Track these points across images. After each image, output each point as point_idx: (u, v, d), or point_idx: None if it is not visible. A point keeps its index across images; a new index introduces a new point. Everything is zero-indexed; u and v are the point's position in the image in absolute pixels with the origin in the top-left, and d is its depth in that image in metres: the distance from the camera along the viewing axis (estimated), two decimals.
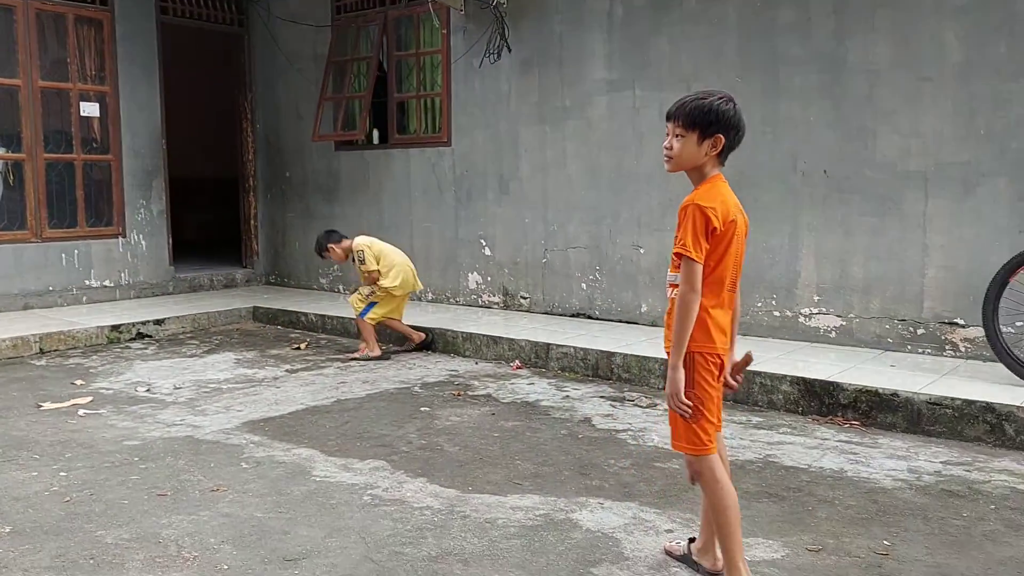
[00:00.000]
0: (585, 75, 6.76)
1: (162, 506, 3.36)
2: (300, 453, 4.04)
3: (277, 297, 8.51)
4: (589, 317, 6.89)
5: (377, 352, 6.29)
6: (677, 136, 2.56)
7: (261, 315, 7.86)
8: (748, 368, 2.76)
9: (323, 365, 6.06)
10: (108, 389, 5.32)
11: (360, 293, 6.43)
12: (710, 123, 2.52)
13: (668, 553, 2.88)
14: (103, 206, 8.19)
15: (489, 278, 7.57)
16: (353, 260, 6.46)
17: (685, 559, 2.82)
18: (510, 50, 7.12)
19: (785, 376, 4.82)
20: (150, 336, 7.08)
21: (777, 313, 5.94)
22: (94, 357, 6.30)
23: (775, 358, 5.22)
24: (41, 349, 6.42)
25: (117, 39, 8.08)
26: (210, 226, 12.35)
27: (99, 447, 4.13)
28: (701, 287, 2.49)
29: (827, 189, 5.69)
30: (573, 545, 2.97)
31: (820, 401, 4.67)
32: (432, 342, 6.56)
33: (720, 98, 2.55)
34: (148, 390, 5.31)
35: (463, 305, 7.72)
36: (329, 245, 6.50)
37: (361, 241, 6.45)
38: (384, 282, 6.32)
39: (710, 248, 2.50)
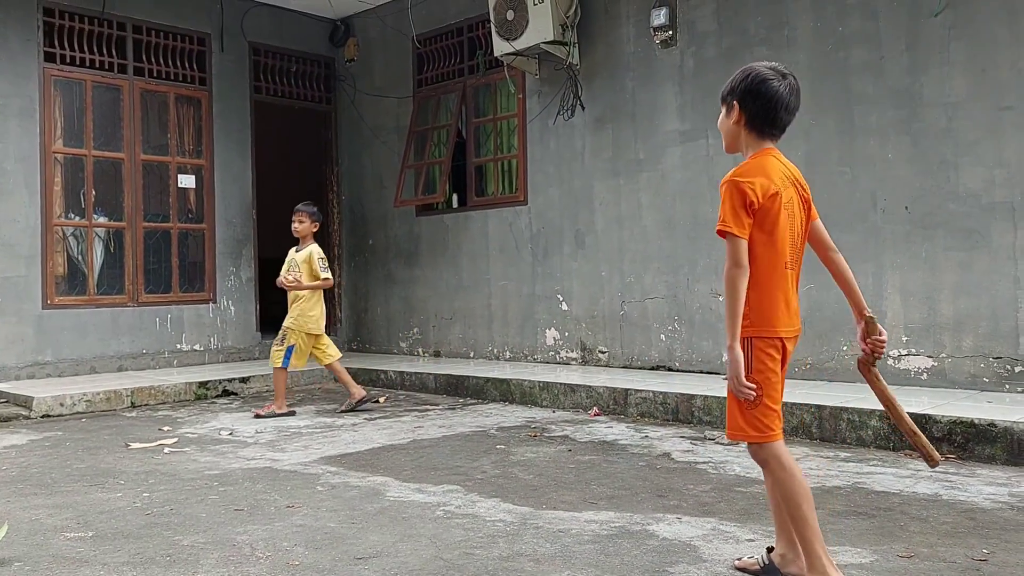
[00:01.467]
0: (658, 127, 6.85)
1: (238, 519, 3.40)
2: (375, 480, 4.04)
3: (358, 359, 8.66)
4: (669, 369, 6.78)
5: (284, 409, 6.07)
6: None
7: None
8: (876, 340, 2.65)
9: (401, 415, 6.10)
10: (193, 433, 5.47)
11: (276, 344, 6.18)
12: (730, 92, 2.53)
13: (743, 570, 2.65)
14: (196, 273, 8.57)
15: (566, 333, 7.55)
16: (304, 257, 6.24)
17: (768, 571, 2.63)
18: (583, 108, 7.29)
19: (874, 411, 4.61)
20: (235, 393, 7.27)
21: None
22: (181, 410, 6.49)
23: (862, 398, 5.01)
24: (132, 403, 6.66)
25: (214, 116, 8.61)
26: None
27: (181, 475, 4.23)
28: (747, 263, 2.42)
29: (910, 226, 5.55)
30: (649, 550, 2.86)
31: None
32: (375, 399, 6.43)
33: (751, 68, 2.51)
34: (231, 434, 5.43)
35: (541, 362, 7.69)
36: (307, 212, 6.41)
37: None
38: (312, 309, 6.21)
39: (756, 223, 2.43)
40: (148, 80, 8.18)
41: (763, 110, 2.48)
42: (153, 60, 8.21)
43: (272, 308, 10.35)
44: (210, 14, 8.59)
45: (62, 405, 6.24)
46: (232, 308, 8.74)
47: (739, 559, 2.72)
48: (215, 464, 4.47)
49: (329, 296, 9.84)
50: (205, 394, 7.07)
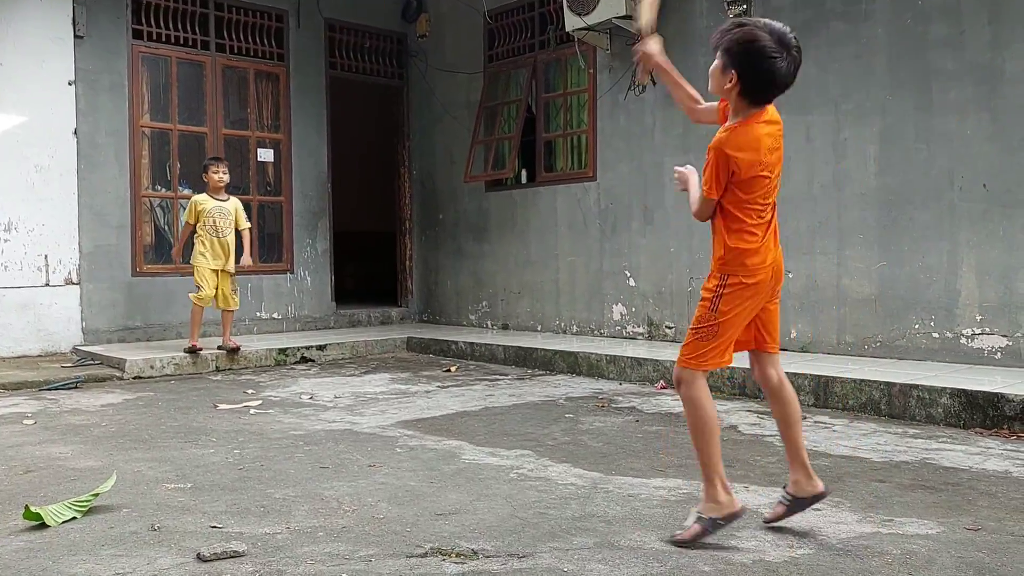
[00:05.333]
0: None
1: (324, 475, 3.61)
2: (450, 443, 4.22)
3: (429, 330, 8.89)
4: None
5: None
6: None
7: (415, 344, 8.23)
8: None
9: (471, 383, 6.28)
10: (276, 397, 5.73)
11: (234, 287, 7.12)
12: (727, 54, 2.54)
13: (775, 520, 2.80)
14: (274, 244, 8.88)
15: (633, 309, 7.63)
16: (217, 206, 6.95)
17: (795, 504, 2.77)
18: (655, 83, 7.29)
19: (944, 389, 4.60)
20: (312, 360, 7.55)
21: (936, 335, 5.67)
22: (263, 375, 6.79)
23: (933, 376, 4.99)
24: (217, 367, 6.98)
25: (292, 91, 8.86)
26: (367, 276, 13.05)
27: (268, 435, 4.47)
28: (708, 216, 2.71)
29: (987, 204, 5.46)
30: None
31: (983, 413, 4.42)
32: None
33: (754, 35, 2.49)
34: (311, 398, 5.68)
35: (608, 337, 7.79)
36: (217, 166, 7.03)
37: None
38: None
39: (735, 184, 2.60)
40: (229, 56, 8.46)
41: (760, 84, 2.54)
42: (234, 36, 8.48)
43: (346, 280, 10.67)
44: None
45: (152, 368, 6.60)
46: (308, 278, 9.04)
47: (766, 517, 2.86)
48: (298, 425, 4.71)
49: (400, 268, 10.11)
50: (284, 360, 7.37)
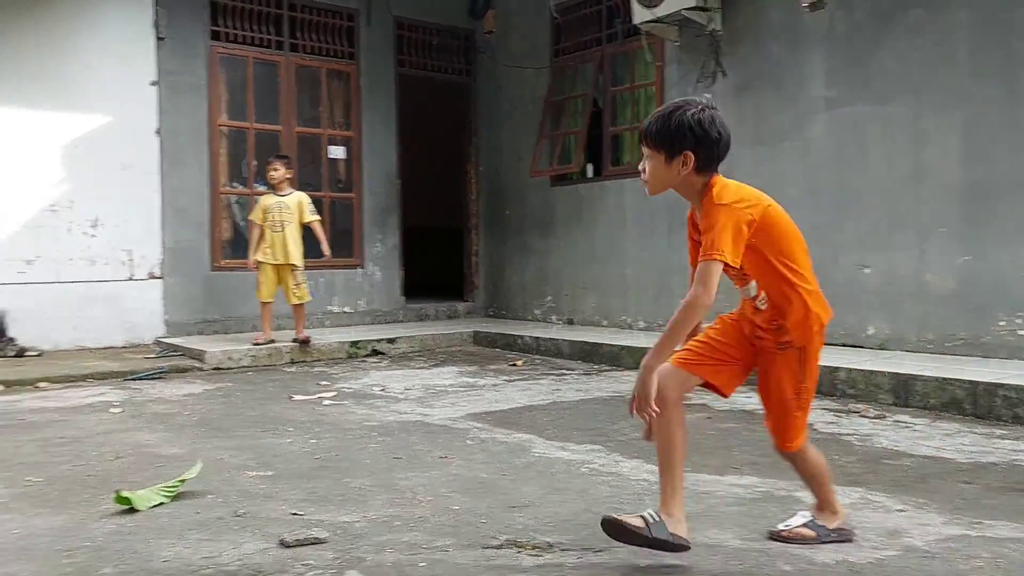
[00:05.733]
0: (802, 94, 6.69)
1: (398, 466, 3.66)
2: (520, 436, 4.24)
3: (495, 324, 8.94)
4: None
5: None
6: (648, 157, 2.47)
7: (481, 338, 8.29)
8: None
9: (538, 378, 6.29)
10: (348, 388, 5.84)
11: (296, 281, 7.19)
12: (673, 141, 2.39)
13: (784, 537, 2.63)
14: (345, 239, 9.04)
15: None
16: (281, 199, 7.14)
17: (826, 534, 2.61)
18: (724, 75, 7.19)
19: None
20: (383, 353, 7.67)
21: (1023, 332, 5.47)
22: (335, 367, 6.92)
23: (1021, 375, 4.82)
24: (291, 359, 7.14)
25: (362, 89, 9.00)
26: (434, 271, 13.18)
27: (342, 425, 4.56)
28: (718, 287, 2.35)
29: None
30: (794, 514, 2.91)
31: None
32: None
33: (685, 109, 2.40)
34: (383, 390, 5.77)
35: None
36: (273, 163, 7.20)
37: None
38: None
39: (774, 238, 2.42)
40: (302, 56, 8.63)
41: (713, 152, 2.41)
42: (307, 36, 8.65)
43: (413, 274, 10.81)
44: None
45: (230, 359, 6.79)
46: (379, 273, 9.18)
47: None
48: (371, 416, 4.79)
49: (466, 263, 10.18)
50: (356, 353, 7.50)
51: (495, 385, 5.93)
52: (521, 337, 7.87)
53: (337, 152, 8.92)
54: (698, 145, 2.39)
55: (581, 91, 8.74)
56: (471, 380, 6.17)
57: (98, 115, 7.48)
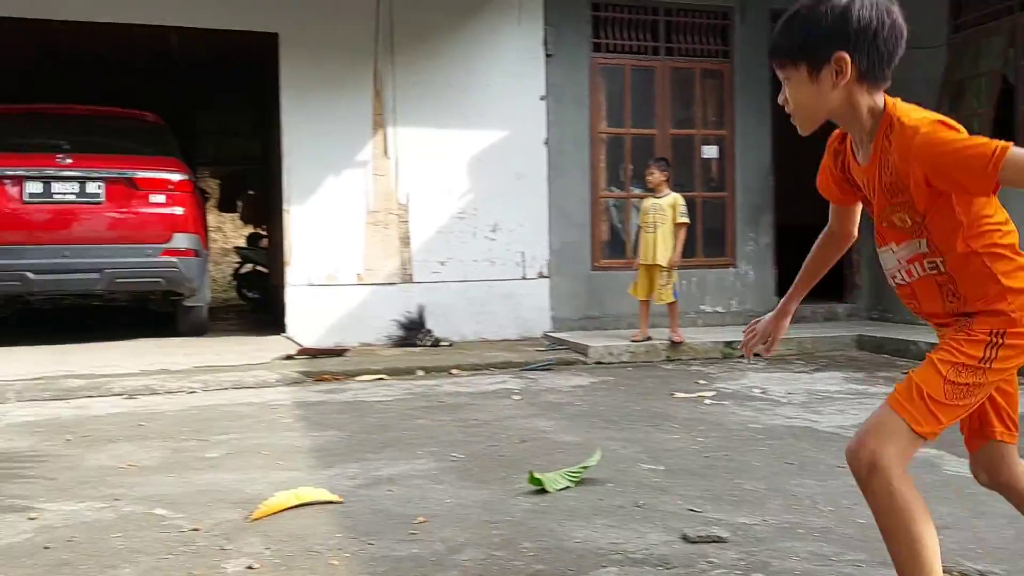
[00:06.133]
0: None
1: (789, 472, 3.59)
2: (928, 450, 3.89)
3: (881, 328, 8.32)
4: None
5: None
6: (786, 81, 1.81)
7: (866, 343, 7.77)
8: None
9: None
10: (727, 389, 5.83)
11: (663, 280, 7.27)
12: (814, 41, 1.72)
13: None
14: (717, 239, 9.02)
15: None
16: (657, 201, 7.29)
17: None
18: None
19: None
20: (757, 355, 7.50)
21: None
22: (711, 367, 6.95)
23: None
24: (667, 357, 7.30)
25: (735, 86, 8.90)
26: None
27: (726, 426, 4.57)
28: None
29: None
30: None
31: None
32: None
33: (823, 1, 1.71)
34: (763, 392, 5.67)
35: None
36: (648, 166, 7.45)
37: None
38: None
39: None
40: (677, 59, 8.77)
41: (877, 49, 1.72)
42: (681, 39, 8.77)
43: (785, 273, 10.44)
44: None
45: (611, 354, 7.13)
46: (751, 273, 9.02)
47: None
48: (755, 419, 4.74)
49: (846, 262, 9.58)
50: (731, 353, 7.46)
51: (888, 394, 5.52)
52: (914, 343, 7.23)
53: (710, 151, 8.93)
54: (857, 41, 1.72)
55: (986, 68, 7.79)
56: (860, 387, 5.82)
57: (495, 130, 8.29)
